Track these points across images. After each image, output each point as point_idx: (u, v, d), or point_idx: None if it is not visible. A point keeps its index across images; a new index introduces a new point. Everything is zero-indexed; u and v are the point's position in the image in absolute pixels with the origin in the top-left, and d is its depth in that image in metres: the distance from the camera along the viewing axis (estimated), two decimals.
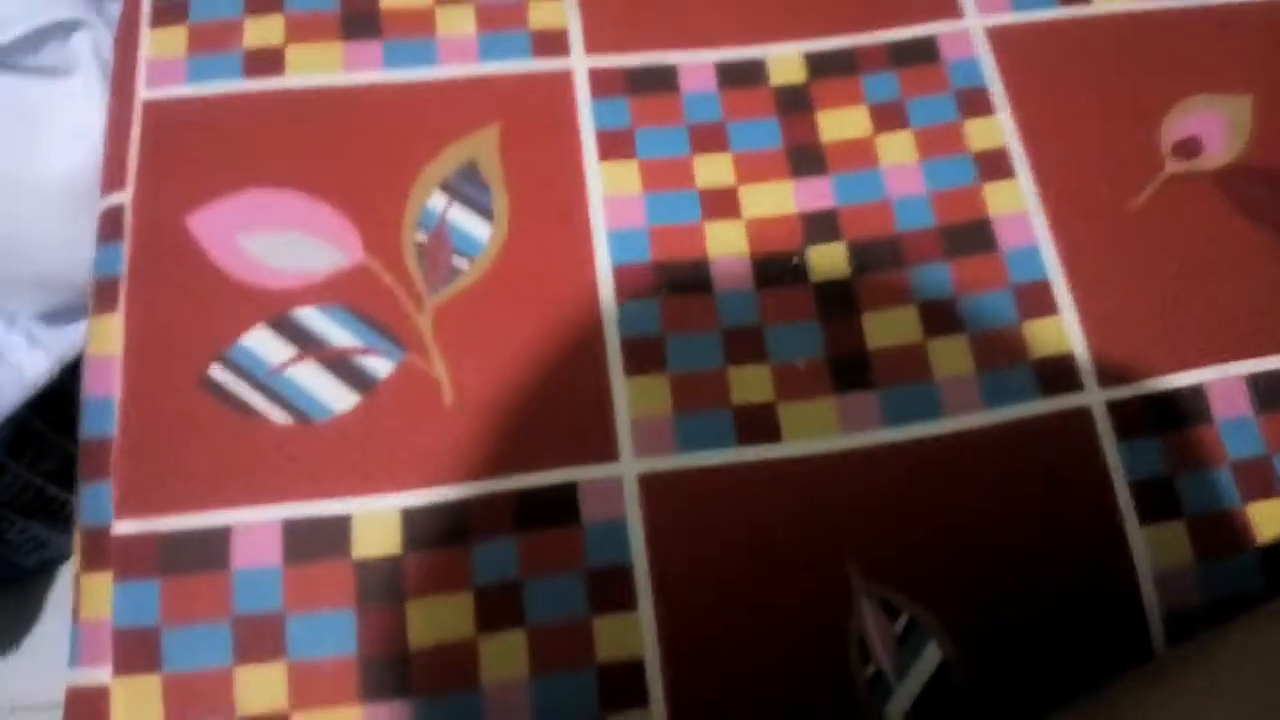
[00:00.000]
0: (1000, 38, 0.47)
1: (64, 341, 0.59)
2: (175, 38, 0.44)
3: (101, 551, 0.37)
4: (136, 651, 0.35)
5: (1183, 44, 0.47)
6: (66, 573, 1.00)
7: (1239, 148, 0.45)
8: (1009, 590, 0.38)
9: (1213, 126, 0.46)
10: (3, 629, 0.97)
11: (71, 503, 0.86)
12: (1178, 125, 0.46)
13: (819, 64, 0.46)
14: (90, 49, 0.48)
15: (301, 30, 0.45)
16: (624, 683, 0.36)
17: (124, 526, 0.37)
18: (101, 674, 0.36)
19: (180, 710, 0.35)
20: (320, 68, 0.44)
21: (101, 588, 0.36)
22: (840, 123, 0.45)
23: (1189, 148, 0.45)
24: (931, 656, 0.37)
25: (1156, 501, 0.39)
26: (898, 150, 0.44)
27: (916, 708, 0.37)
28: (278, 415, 0.39)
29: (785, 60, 0.46)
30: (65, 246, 0.50)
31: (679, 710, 0.36)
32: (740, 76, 0.45)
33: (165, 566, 0.36)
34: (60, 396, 0.69)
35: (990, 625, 0.38)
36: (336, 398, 0.39)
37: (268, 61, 0.44)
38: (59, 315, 0.57)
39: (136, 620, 0.36)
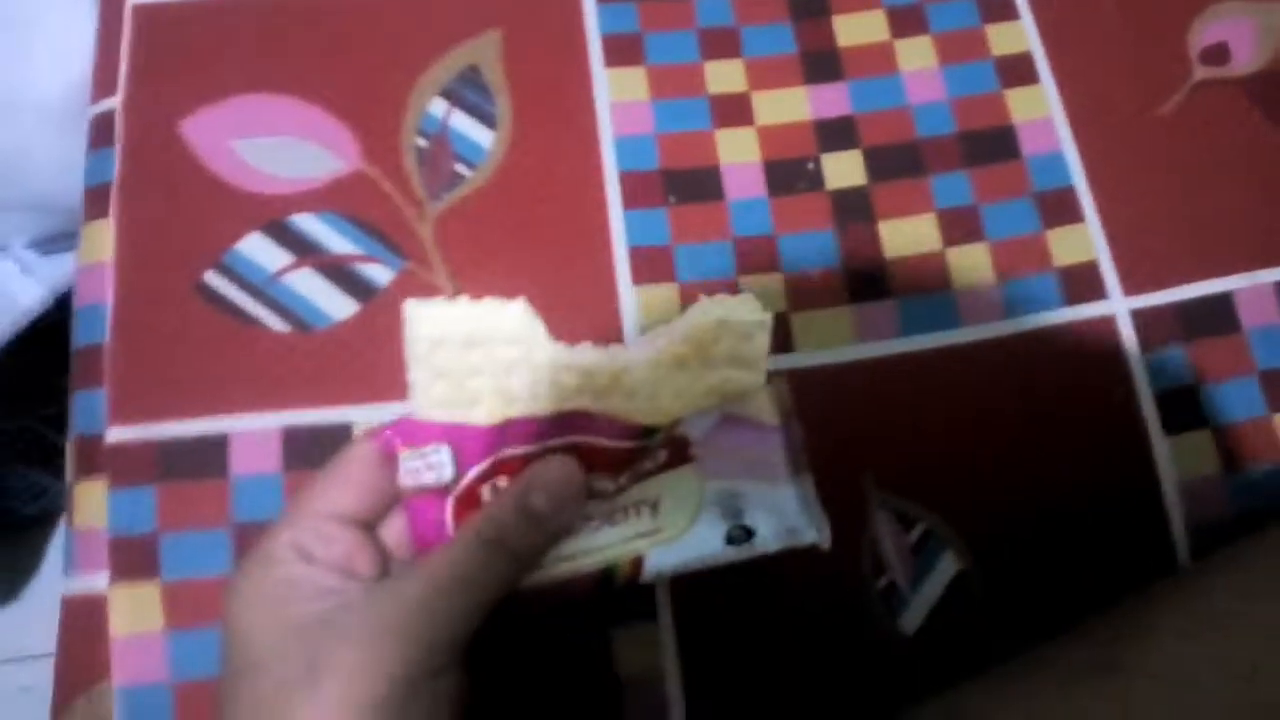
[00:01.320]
0: None
1: (58, 270, 0.58)
2: None
3: (95, 459, 0.36)
4: (134, 559, 0.35)
5: None
6: (64, 524, 1.00)
7: (1270, 54, 0.44)
8: (1028, 501, 0.37)
9: (1243, 33, 0.44)
10: (4, 580, 0.97)
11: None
12: (1206, 31, 0.44)
13: None
14: None
15: None
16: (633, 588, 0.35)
17: (118, 433, 0.36)
18: (98, 581, 0.35)
19: (181, 617, 0.34)
20: None
21: (95, 495, 0.36)
22: (857, 27, 0.43)
23: (1217, 54, 0.43)
24: (947, 568, 0.36)
25: (1181, 411, 0.38)
26: (917, 55, 0.43)
27: (931, 620, 0.36)
28: (275, 323, 0.37)
29: None
30: (59, 166, 0.49)
31: (684, 614, 0.35)
32: None
33: (162, 473, 0.35)
34: (58, 340, 0.68)
35: (1007, 535, 0.37)
36: (335, 305, 0.38)
37: None
38: (52, 242, 0.56)
39: (132, 528, 0.35)
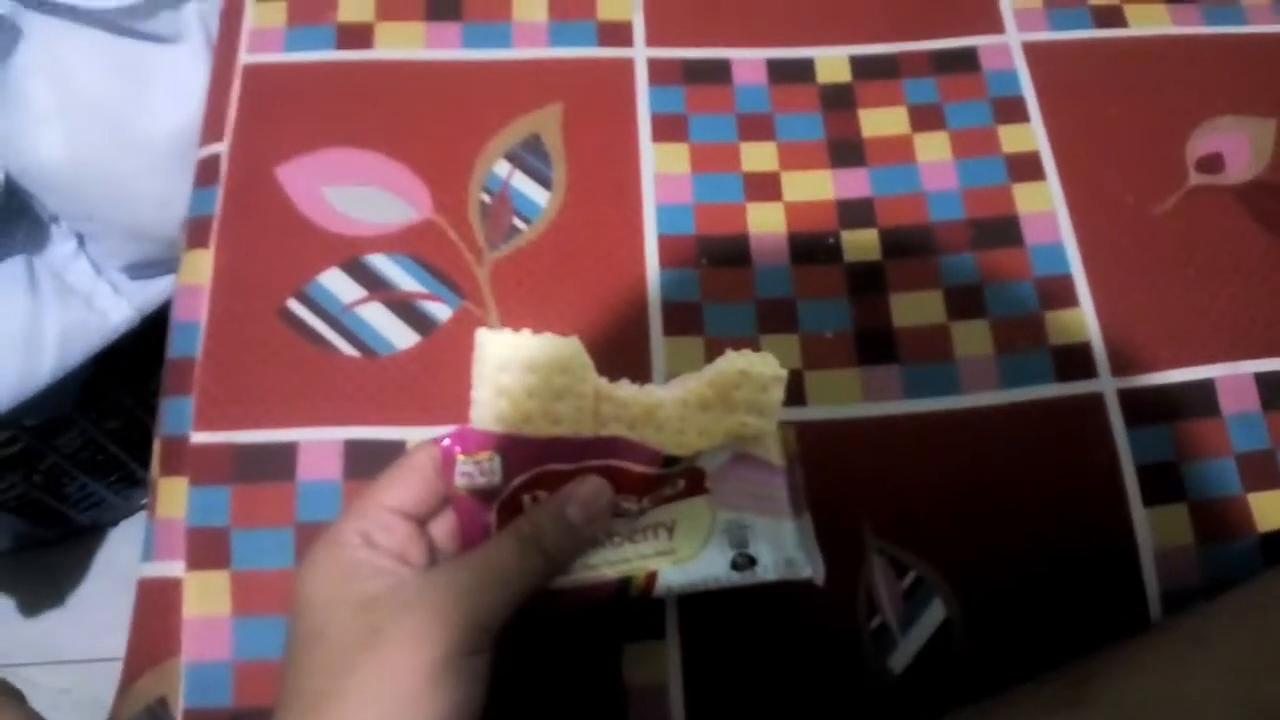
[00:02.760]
0: (1037, 53, 0.50)
1: (146, 294, 0.63)
2: (276, 10, 0.49)
3: (178, 458, 0.41)
4: (208, 549, 0.39)
5: (1212, 68, 0.50)
6: (114, 536, 1.05)
7: (1261, 166, 0.48)
8: (1014, 558, 0.40)
9: (1237, 145, 0.48)
10: (51, 585, 1.01)
11: (128, 464, 0.90)
12: (1203, 142, 0.48)
13: (864, 66, 0.49)
14: (198, 19, 0.53)
15: (390, 9, 0.49)
16: (646, 601, 0.39)
17: (201, 437, 0.40)
18: (174, 568, 0.39)
19: (246, 603, 0.38)
20: (405, 44, 0.48)
21: (177, 491, 0.40)
22: (881, 121, 0.48)
23: (1213, 163, 0.48)
24: (935, 613, 0.39)
25: (1161, 485, 0.41)
26: (934, 149, 0.47)
27: (918, 661, 0.39)
28: (346, 348, 0.42)
29: (832, 61, 0.49)
30: (160, 200, 0.55)
31: (690, 635, 0.39)
32: (789, 73, 0.49)
33: (237, 474, 0.40)
34: (132, 358, 0.73)
35: (994, 589, 0.40)
36: (399, 336, 0.43)
37: (358, 36, 0.48)
38: (144, 268, 0.62)
39: (209, 521, 0.39)
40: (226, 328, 0.42)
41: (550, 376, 0.31)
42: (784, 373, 0.33)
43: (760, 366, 0.33)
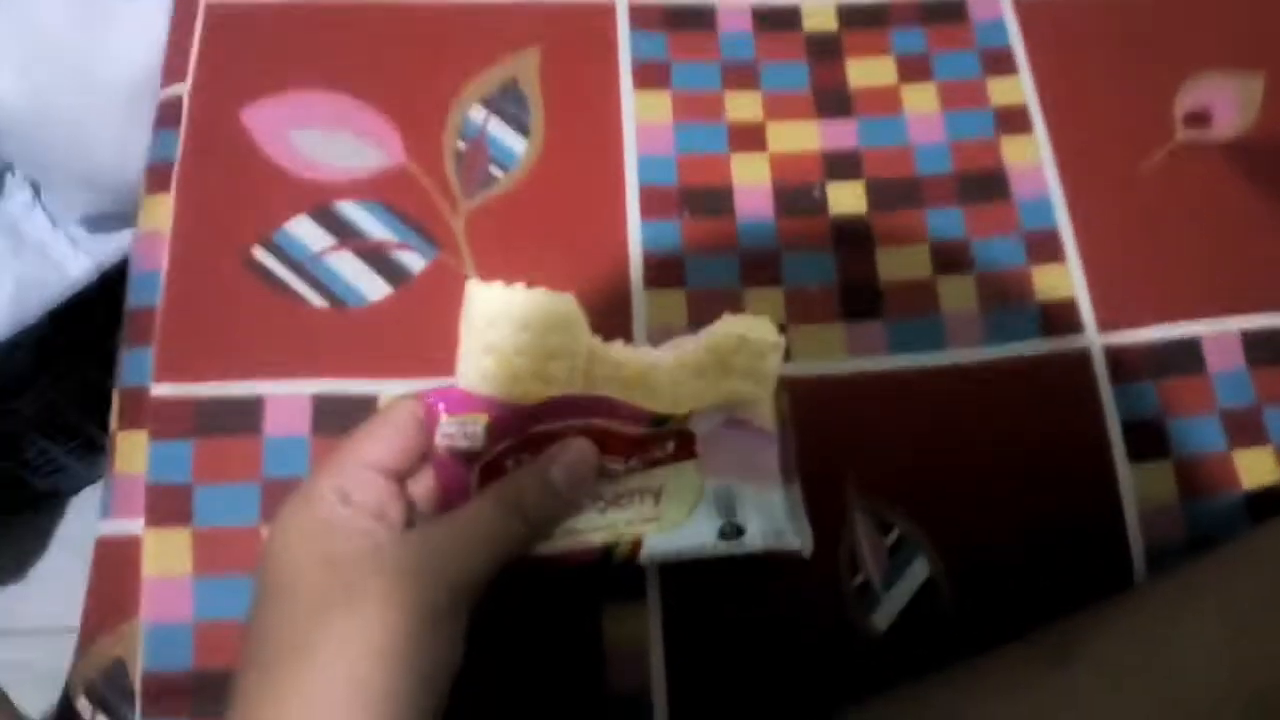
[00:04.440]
0: (1026, 4, 0.49)
1: (105, 248, 0.61)
2: None
3: (138, 412, 0.39)
4: (169, 505, 0.37)
5: (1200, 22, 0.49)
6: (74, 506, 1.03)
7: (1249, 122, 0.47)
8: (998, 514, 0.40)
9: (1224, 101, 0.47)
10: (11, 557, 0.99)
11: (88, 429, 0.88)
12: (1191, 97, 0.47)
13: (851, 15, 0.48)
14: None
15: None
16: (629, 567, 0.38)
17: (162, 389, 0.39)
18: (133, 525, 0.38)
19: (208, 562, 0.37)
20: None
21: (137, 445, 0.38)
22: (868, 71, 0.47)
23: (1200, 119, 0.47)
24: (919, 570, 0.39)
25: (1146, 441, 0.41)
26: (922, 100, 0.46)
27: (902, 619, 0.38)
28: (315, 298, 0.41)
29: (819, 9, 0.48)
30: (118, 146, 0.53)
31: (671, 599, 0.38)
32: (775, 21, 0.47)
33: (199, 428, 0.38)
34: (92, 316, 0.71)
35: (978, 545, 0.39)
36: (371, 287, 0.41)
37: None
38: (103, 221, 0.60)
39: (169, 477, 0.38)
40: (188, 276, 0.41)
41: (544, 335, 0.30)
42: (782, 340, 0.33)
43: (759, 332, 0.32)
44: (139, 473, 0.38)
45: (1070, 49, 0.48)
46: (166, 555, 0.37)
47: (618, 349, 0.32)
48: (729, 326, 0.32)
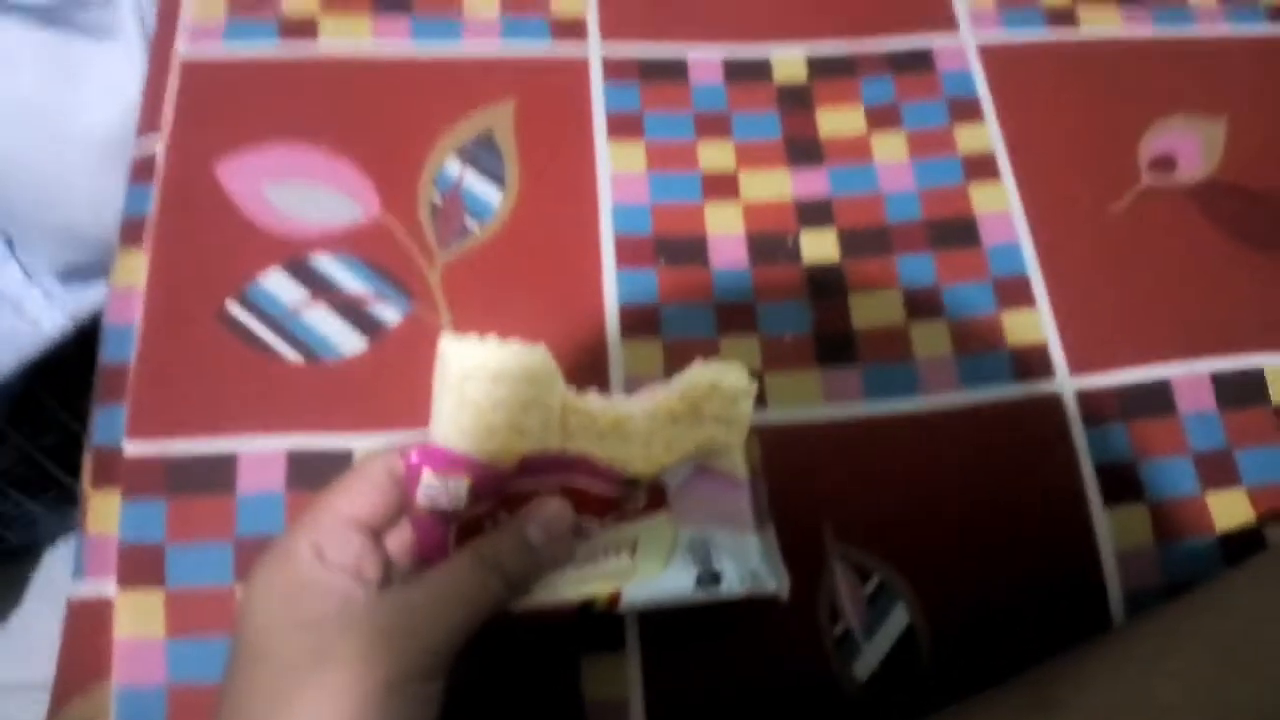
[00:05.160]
0: (991, 53, 0.50)
1: (80, 301, 0.61)
2: (215, 2, 0.47)
3: (111, 470, 0.38)
4: (141, 566, 0.37)
5: (1162, 68, 0.50)
6: (50, 557, 1.01)
7: (1213, 165, 0.48)
8: (976, 560, 0.40)
9: (1188, 145, 0.48)
10: None
11: (64, 482, 0.87)
12: (1155, 142, 0.48)
13: (820, 66, 0.49)
14: (133, 13, 0.51)
15: (337, 3, 0.47)
16: (608, 618, 0.37)
17: (135, 447, 0.38)
18: (106, 586, 0.37)
19: (181, 624, 0.36)
20: (351, 37, 0.47)
21: (109, 505, 0.38)
22: (838, 120, 0.48)
23: (1165, 164, 0.48)
24: (899, 618, 0.39)
25: (1120, 485, 0.41)
26: (891, 148, 0.47)
27: (883, 668, 0.38)
28: (289, 353, 0.40)
29: (788, 61, 0.49)
30: (93, 200, 0.53)
31: (651, 649, 0.37)
32: (746, 72, 0.48)
33: (172, 486, 0.38)
34: (66, 371, 0.70)
35: (957, 592, 0.39)
36: (346, 341, 0.41)
37: (302, 28, 0.47)
38: (77, 273, 0.60)
39: (142, 536, 0.37)
40: (162, 331, 0.40)
41: (517, 388, 0.30)
42: (754, 386, 0.33)
43: (731, 378, 0.32)
44: (112, 533, 0.38)
45: (1035, 96, 0.49)
46: (139, 617, 0.36)
47: (591, 399, 0.32)
48: (701, 373, 0.32)
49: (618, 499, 0.32)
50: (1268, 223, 0.47)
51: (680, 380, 0.32)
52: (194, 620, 0.36)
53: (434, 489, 0.30)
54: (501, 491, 0.31)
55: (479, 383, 0.30)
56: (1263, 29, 0.52)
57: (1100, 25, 0.51)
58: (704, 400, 0.32)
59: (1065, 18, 0.51)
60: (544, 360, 0.30)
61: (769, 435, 0.40)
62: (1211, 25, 0.52)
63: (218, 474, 0.38)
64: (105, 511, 0.38)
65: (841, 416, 0.41)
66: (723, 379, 0.32)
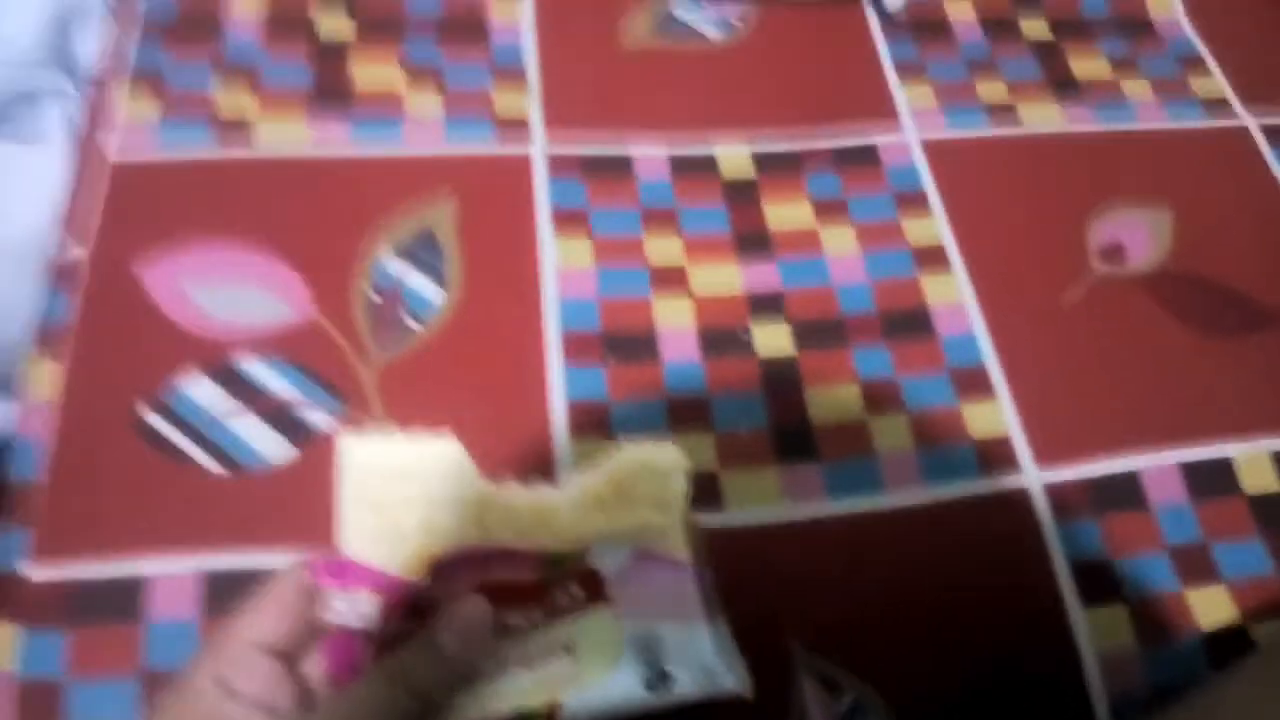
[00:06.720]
0: (935, 149, 0.50)
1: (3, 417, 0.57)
2: (149, 105, 0.46)
3: (9, 599, 0.35)
4: (37, 705, 0.33)
5: (1106, 160, 0.51)
6: None
7: (1163, 253, 0.48)
8: (952, 667, 0.37)
9: (1136, 234, 0.48)
10: None
11: None
12: (1102, 231, 0.48)
13: (765, 161, 0.49)
14: (61, 118, 0.50)
15: (272, 104, 0.47)
16: None
17: (38, 572, 0.35)
18: None
19: None
20: (288, 139, 0.46)
21: (6, 638, 0.34)
22: (785, 214, 0.47)
23: (1114, 253, 0.48)
24: None
25: (1097, 583, 0.39)
26: (840, 241, 0.46)
27: None
28: (209, 463, 0.38)
29: (733, 155, 0.48)
30: (14, 310, 0.50)
31: None
32: (691, 166, 0.48)
33: (75, 614, 0.34)
34: None
35: (934, 704, 0.36)
36: (272, 449, 0.38)
37: (237, 130, 0.46)
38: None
39: (41, 672, 0.33)
40: (73, 445, 0.37)
41: (428, 484, 0.27)
42: (685, 461, 0.30)
43: (660, 457, 0.30)
44: (10, 669, 0.34)
45: (981, 189, 0.49)
46: None
47: (512, 491, 0.29)
48: (629, 454, 0.30)
49: (543, 585, 0.29)
50: (1223, 309, 0.46)
51: (608, 464, 0.30)
52: None
53: (342, 608, 0.27)
54: (414, 598, 0.28)
55: (384, 481, 0.27)
56: (1199, 121, 0.53)
57: (1041, 121, 0.52)
58: (634, 483, 0.30)
59: (1006, 113, 0.52)
60: (455, 453, 0.28)
61: (728, 539, 0.38)
62: (1151, 119, 0.53)
63: (124, 600, 0.35)
64: (2, 646, 0.34)
65: (803, 516, 0.39)
66: (653, 458, 0.30)
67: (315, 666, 0.28)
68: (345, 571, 0.27)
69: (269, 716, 0.25)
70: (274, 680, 0.26)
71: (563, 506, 0.29)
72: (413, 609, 0.28)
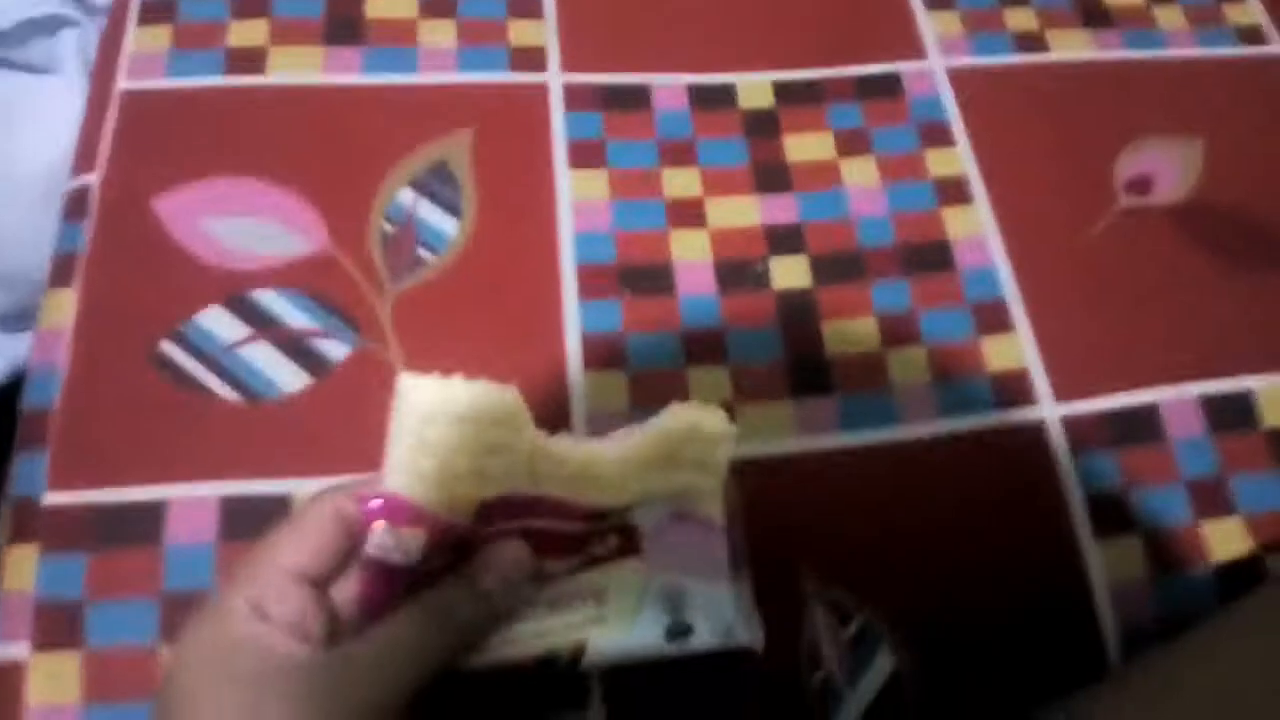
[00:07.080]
0: (960, 78, 0.49)
1: (19, 348, 0.58)
2: (160, 35, 0.45)
3: (30, 523, 0.36)
4: (58, 626, 0.34)
5: (1135, 90, 0.49)
6: None
7: (1191, 186, 0.47)
8: (963, 599, 0.37)
9: (1165, 166, 0.47)
10: None
11: None
12: (1131, 163, 0.47)
13: (786, 92, 0.47)
14: (76, 46, 0.49)
15: (285, 33, 0.46)
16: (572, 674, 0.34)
17: (56, 497, 0.36)
18: (19, 649, 0.34)
19: (99, 688, 0.33)
20: (300, 68, 0.45)
21: (27, 560, 0.35)
22: (805, 146, 0.46)
23: (1141, 185, 0.47)
24: (884, 664, 0.36)
25: (1111, 516, 0.39)
26: (861, 173, 0.46)
27: (868, 717, 0.35)
28: (226, 392, 0.38)
29: (754, 86, 0.47)
30: (33, 244, 0.50)
31: (616, 707, 0.35)
32: (711, 99, 0.47)
33: (95, 539, 0.35)
34: (6, 422, 0.67)
35: (943, 633, 0.37)
36: (287, 378, 0.38)
37: (249, 60, 0.45)
38: (17, 320, 0.57)
39: (60, 594, 0.34)
40: (89, 373, 0.38)
41: (484, 429, 0.27)
42: (733, 429, 0.31)
43: (710, 422, 0.30)
44: (30, 591, 0.35)
45: (1007, 119, 0.48)
46: (54, 681, 0.33)
47: (561, 443, 0.29)
48: (678, 416, 0.30)
49: (584, 536, 0.30)
50: (1250, 242, 0.45)
51: (656, 423, 0.30)
52: (113, 684, 0.33)
53: (386, 542, 0.27)
54: (459, 541, 0.28)
55: (442, 425, 0.27)
56: (1233, 50, 0.51)
57: (1070, 49, 0.50)
58: (681, 445, 0.30)
59: (1034, 41, 0.50)
60: (513, 402, 0.28)
61: (742, 470, 0.37)
62: (1182, 47, 0.51)
63: (144, 524, 0.35)
64: (23, 568, 0.35)
65: (817, 448, 0.39)
66: (702, 423, 0.30)
67: (349, 594, 0.28)
68: (395, 510, 0.27)
69: (300, 640, 0.26)
70: (307, 606, 0.27)
71: (611, 462, 0.29)
72: (453, 548, 0.28)
